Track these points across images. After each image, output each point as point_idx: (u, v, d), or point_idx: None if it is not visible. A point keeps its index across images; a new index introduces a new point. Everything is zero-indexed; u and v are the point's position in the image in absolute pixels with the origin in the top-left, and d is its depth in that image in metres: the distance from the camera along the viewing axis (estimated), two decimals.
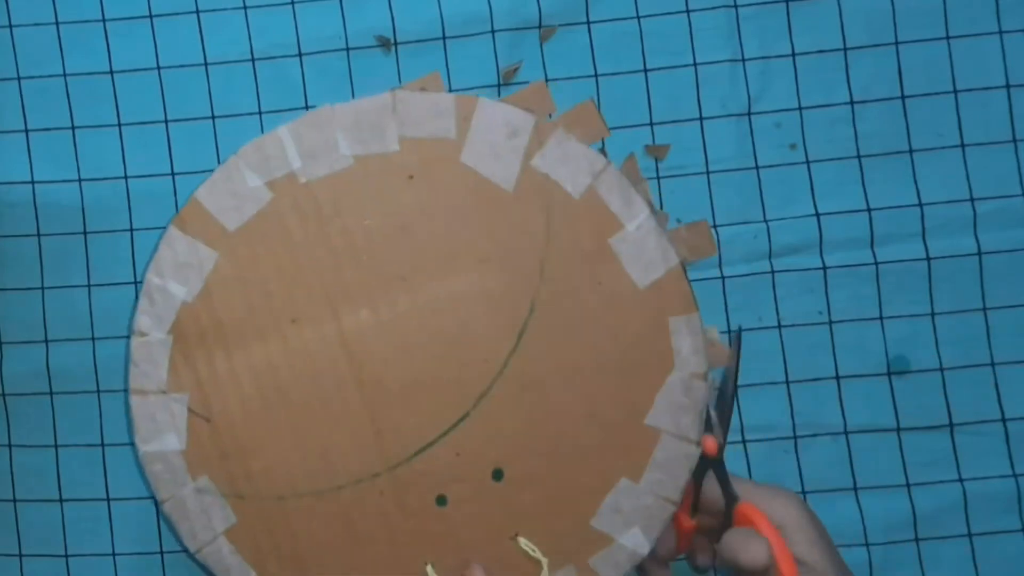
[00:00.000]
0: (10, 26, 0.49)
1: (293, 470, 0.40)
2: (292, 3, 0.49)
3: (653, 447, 0.39)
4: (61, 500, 0.48)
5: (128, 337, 0.41)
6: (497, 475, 0.40)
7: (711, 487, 0.39)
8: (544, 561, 0.39)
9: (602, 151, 0.42)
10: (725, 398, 0.41)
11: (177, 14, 0.49)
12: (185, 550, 0.40)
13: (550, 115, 0.43)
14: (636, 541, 0.39)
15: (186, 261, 0.40)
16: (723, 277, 0.47)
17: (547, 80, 0.48)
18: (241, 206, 0.40)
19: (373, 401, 0.40)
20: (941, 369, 0.47)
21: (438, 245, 0.40)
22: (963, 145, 0.48)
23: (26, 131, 0.49)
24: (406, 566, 0.40)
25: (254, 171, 0.40)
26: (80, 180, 0.49)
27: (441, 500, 0.40)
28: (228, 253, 0.40)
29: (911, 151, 0.48)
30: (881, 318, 0.47)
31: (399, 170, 0.40)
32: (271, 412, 0.40)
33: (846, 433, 0.47)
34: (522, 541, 0.39)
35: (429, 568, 0.40)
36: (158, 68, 0.49)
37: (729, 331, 0.47)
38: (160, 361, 0.40)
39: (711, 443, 0.39)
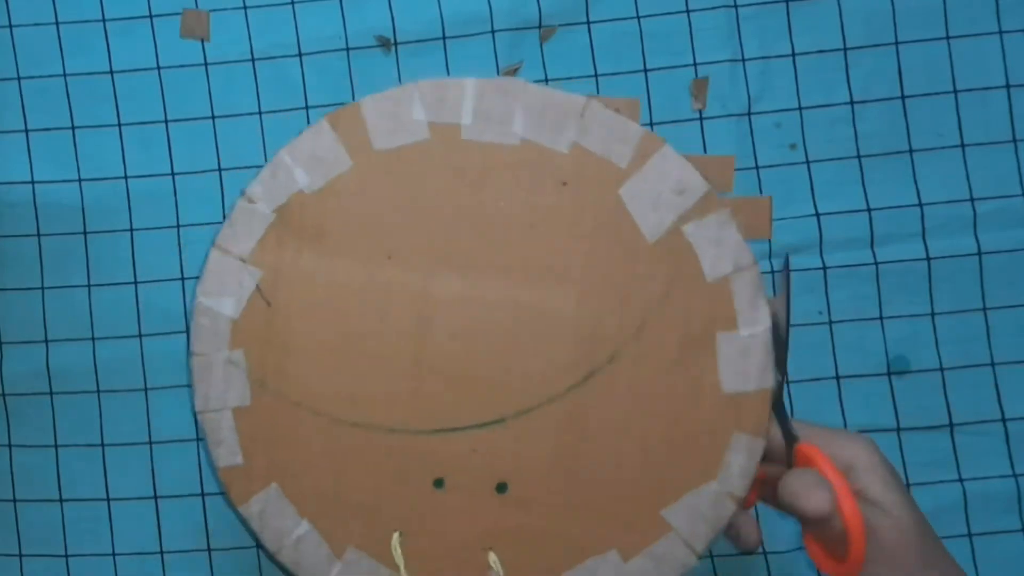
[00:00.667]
0: (10, 26, 0.49)
1: (321, 388, 0.40)
2: (292, 3, 0.49)
3: (657, 538, 0.39)
4: (61, 500, 0.48)
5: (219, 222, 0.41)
6: (501, 488, 0.40)
7: (773, 431, 0.38)
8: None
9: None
10: (780, 334, 0.39)
11: (177, 14, 0.49)
12: (193, 408, 0.40)
13: (724, 192, 0.42)
14: None
15: (321, 156, 0.40)
16: None
17: (547, 80, 0.48)
18: (396, 132, 0.40)
19: (425, 365, 0.40)
20: (941, 369, 0.47)
21: (555, 256, 0.39)
22: (963, 145, 0.48)
23: (26, 131, 0.49)
24: (369, 529, 0.40)
25: (424, 106, 0.40)
26: (80, 180, 0.49)
27: (439, 483, 0.40)
28: (362, 167, 0.40)
29: (911, 151, 0.48)
30: (881, 318, 0.47)
31: (556, 172, 0.39)
32: (327, 326, 0.40)
33: None
34: (491, 557, 0.39)
35: (396, 547, 0.40)
36: (158, 68, 0.49)
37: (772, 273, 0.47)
38: (255, 232, 0.40)
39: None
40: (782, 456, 0.38)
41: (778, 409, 0.38)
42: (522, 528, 0.39)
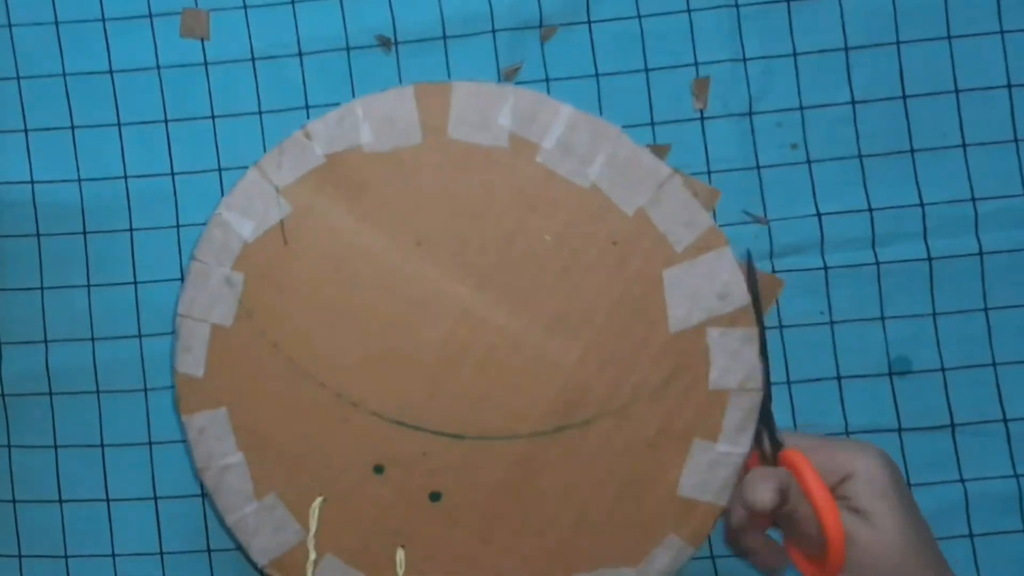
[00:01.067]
0: (10, 26, 0.49)
1: (304, 340, 0.40)
2: (292, 3, 0.49)
3: None
4: (61, 500, 0.48)
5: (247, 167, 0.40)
6: (435, 497, 0.39)
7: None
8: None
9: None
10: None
11: (177, 13, 0.49)
12: (176, 311, 0.40)
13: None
14: None
15: (395, 121, 0.40)
16: None
17: (547, 80, 0.48)
18: (476, 128, 0.40)
19: (411, 358, 0.39)
20: (943, 369, 0.47)
21: (574, 308, 0.39)
22: (964, 145, 0.47)
23: (26, 131, 0.49)
24: (296, 485, 0.40)
25: (513, 115, 0.39)
26: (80, 180, 0.49)
27: (379, 469, 0.39)
28: (429, 148, 0.40)
29: (912, 151, 0.48)
30: (882, 318, 0.47)
31: (613, 229, 0.39)
32: (332, 285, 0.40)
33: (847, 433, 0.47)
34: (400, 553, 0.39)
35: (400, 553, 0.40)
36: (158, 68, 0.49)
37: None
38: (300, 168, 0.40)
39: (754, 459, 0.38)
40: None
41: (765, 415, 0.38)
42: (439, 540, 0.39)
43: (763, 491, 0.34)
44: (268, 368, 0.40)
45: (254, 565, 0.40)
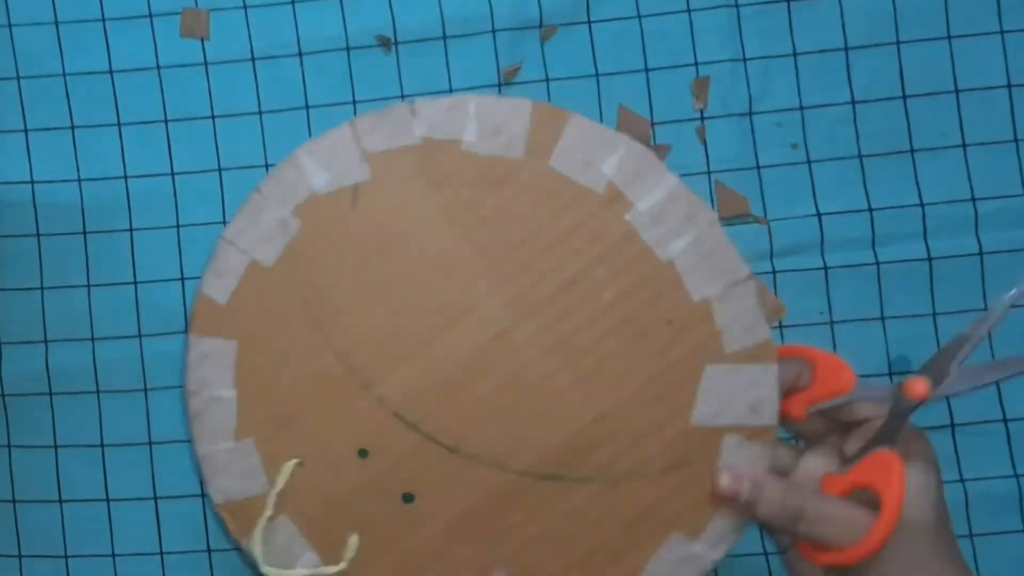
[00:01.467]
0: (9, 25, 0.49)
1: (337, 306, 0.39)
2: (292, 2, 0.49)
3: None
4: (61, 500, 0.48)
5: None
6: (408, 498, 0.39)
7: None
8: None
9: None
10: None
11: (177, 13, 0.49)
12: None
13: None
14: None
15: (500, 125, 0.39)
16: None
17: (547, 80, 0.48)
18: (582, 168, 0.39)
19: (431, 358, 0.39)
20: None
21: (609, 373, 0.38)
22: (964, 145, 0.47)
23: (26, 131, 0.49)
24: (276, 439, 0.39)
25: (618, 166, 0.39)
26: (80, 180, 0.49)
27: (363, 453, 0.39)
28: (527, 166, 0.39)
29: (912, 151, 0.48)
30: (882, 318, 0.47)
31: (673, 310, 0.38)
32: (392, 270, 0.39)
33: None
34: (352, 538, 0.39)
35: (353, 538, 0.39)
36: (158, 68, 0.49)
37: None
38: (393, 140, 0.39)
39: (921, 386, 0.36)
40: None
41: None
42: (398, 539, 0.39)
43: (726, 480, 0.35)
44: (291, 322, 0.39)
45: (212, 504, 0.39)
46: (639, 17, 0.48)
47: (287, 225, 0.39)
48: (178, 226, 0.48)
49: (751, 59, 0.48)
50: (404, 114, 0.39)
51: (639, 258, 0.39)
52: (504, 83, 0.48)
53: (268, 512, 0.39)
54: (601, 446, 0.38)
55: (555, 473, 0.39)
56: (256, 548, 0.38)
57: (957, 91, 0.48)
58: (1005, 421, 0.47)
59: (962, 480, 0.47)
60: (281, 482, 0.39)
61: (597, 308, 0.39)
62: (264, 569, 0.38)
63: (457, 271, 0.39)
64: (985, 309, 0.47)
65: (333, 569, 0.39)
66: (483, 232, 0.39)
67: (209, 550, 0.48)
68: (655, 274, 0.38)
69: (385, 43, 0.48)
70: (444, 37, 0.48)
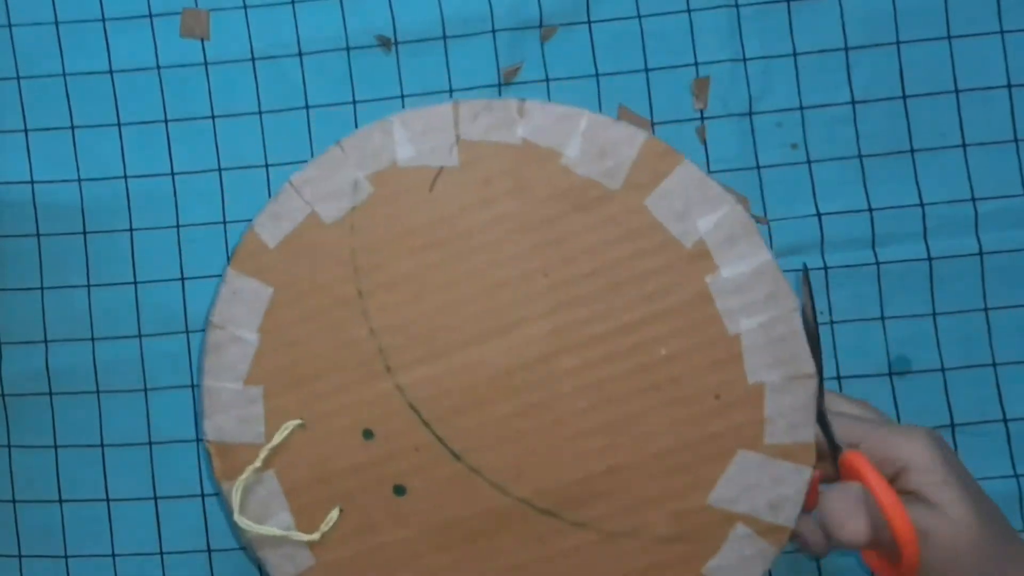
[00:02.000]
0: (9, 25, 0.49)
1: (394, 305, 0.38)
2: (292, 3, 0.49)
3: None
4: (61, 500, 0.48)
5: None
6: (399, 490, 0.38)
7: (819, 434, 0.37)
8: None
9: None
10: (810, 335, 0.38)
11: (177, 13, 0.49)
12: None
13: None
14: None
15: (607, 149, 0.38)
16: None
17: (547, 80, 0.48)
18: (673, 222, 0.38)
19: (462, 361, 0.38)
20: (942, 369, 0.47)
21: (639, 429, 0.38)
22: (964, 145, 0.47)
23: (25, 131, 0.49)
24: (283, 395, 0.39)
25: (694, 214, 0.38)
26: (80, 180, 0.49)
27: (368, 434, 0.38)
28: (621, 200, 0.38)
29: (912, 151, 0.48)
30: (882, 318, 0.47)
31: (718, 387, 0.37)
32: (452, 263, 0.38)
33: None
34: (334, 512, 0.38)
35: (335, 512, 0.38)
36: (158, 68, 0.49)
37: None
38: (492, 134, 0.38)
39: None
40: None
41: (821, 418, 0.37)
42: (378, 527, 0.38)
43: (852, 531, 0.32)
44: (335, 286, 0.38)
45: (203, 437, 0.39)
46: (639, 17, 0.48)
47: (359, 187, 0.38)
48: (178, 226, 0.48)
49: (751, 59, 0.48)
50: (511, 110, 0.38)
51: (706, 323, 0.37)
52: (504, 83, 0.48)
53: (257, 464, 0.38)
54: (607, 497, 0.38)
55: (553, 510, 0.38)
56: (235, 496, 0.38)
57: (957, 91, 0.48)
58: (1005, 421, 0.47)
59: None
60: (278, 438, 0.38)
61: (648, 361, 0.37)
62: (237, 518, 0.38)
63: (514, 284, 0.38)
64: (985, 309, 0.47)
65: (305, 537, 0.38)
66: (553, 252, 0.38)
67: (209, 550, 0.48)
68: (717, 344, 0.37)
69: (385, 43, 0.48)
70: (444, 37, 0.48)
